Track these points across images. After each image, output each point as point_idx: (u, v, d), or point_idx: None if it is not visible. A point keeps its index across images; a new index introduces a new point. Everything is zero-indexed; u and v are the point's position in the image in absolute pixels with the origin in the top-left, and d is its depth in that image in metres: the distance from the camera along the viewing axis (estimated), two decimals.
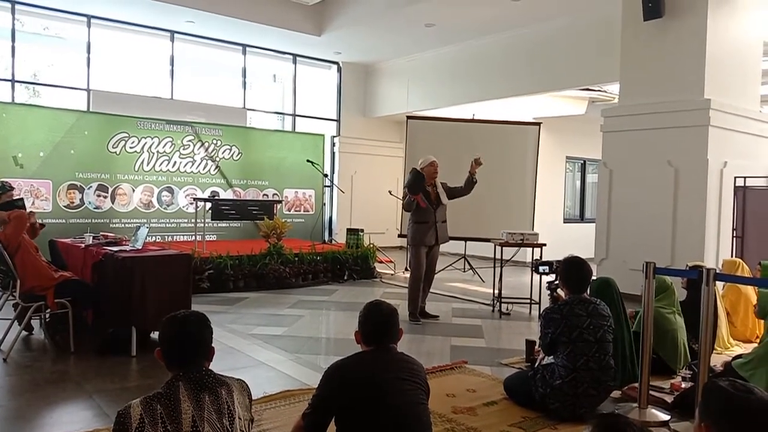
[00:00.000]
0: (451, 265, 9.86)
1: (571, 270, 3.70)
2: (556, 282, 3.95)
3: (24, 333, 5.01)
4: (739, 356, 3.80)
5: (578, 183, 13.37)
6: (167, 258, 4.93)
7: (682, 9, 7.37)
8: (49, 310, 4.83)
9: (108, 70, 11.02)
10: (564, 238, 11.59)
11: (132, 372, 4.39)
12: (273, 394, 3.85)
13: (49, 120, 9.33)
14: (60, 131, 9.34)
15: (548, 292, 4.08)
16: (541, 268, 4.87)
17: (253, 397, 3.76)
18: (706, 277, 3.37)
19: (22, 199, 5.15)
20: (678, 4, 7.39)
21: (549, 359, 3.77)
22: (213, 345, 2.25)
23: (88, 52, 10.31)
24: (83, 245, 5.25)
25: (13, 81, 9.74)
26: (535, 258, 5.49)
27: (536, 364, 4.06)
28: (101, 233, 5.78)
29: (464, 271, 9.80)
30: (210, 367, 2.23)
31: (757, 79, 8.14)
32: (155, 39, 11.19)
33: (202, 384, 2.11)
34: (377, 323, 2.59)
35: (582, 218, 12.97)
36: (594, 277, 4.26)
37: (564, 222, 12.36)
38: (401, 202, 6.34)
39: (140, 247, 5.05)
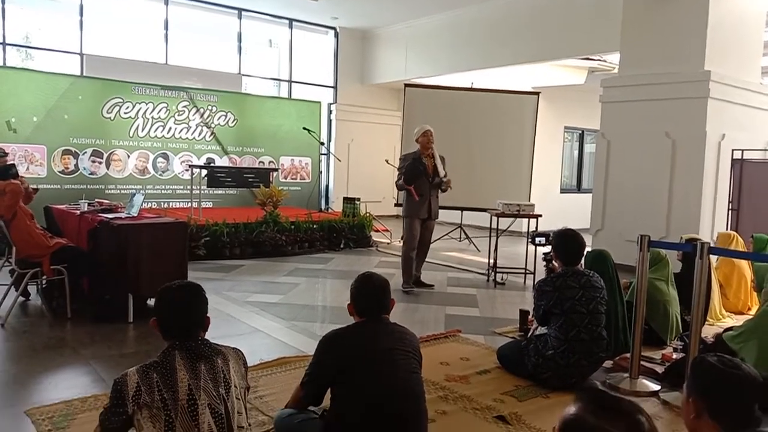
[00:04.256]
0: (447, 234, 9.88)
1: (565, 242, 3.71)
2: (551, 253, 3.96)
3: (21, 299, 5.03)
4: (730, 328, 3.84)
5: (576, 153, 13.33)
6: (162, 226, 4.93)
7: None
8: (45, 277, 4.83)
9: (101, 33, 10.83)
10: (561, 209, 11.62)
11: (129, 338, 4.43)
12: (269, 361, 3.89)
13: (42, 84, 9.21)
14: (53, 96, 9.23)
15: (543, 263, 4.10)
16: (537, 239, 4.89)
17: (249, 365, 3.81)
18: (700, 251, 3.39)
19: (14, 165, 5.09)
20: None
21: (542, 330, 3.81)
22: (208, 314, 2.26)
23: (81, 15, 10.13)
24: (78, 212, 5.23)
25: (4, 44, 9.58)
26: (531, 230, 5.49)
27: (529, 333, 4.10)
28: (96, 200, 5.75)
29: (460, 241, 9.83)
30: (206, 335, 2.25)
31: (758, 50, 8.06)
32: (149, 2, 10.98)
33: (198, 353, 2.12)
34: (369, 295, 2.60)
35: (579, 189, 12.98)
36: (589, 249, 4.28)
37: (561, 192, 12.36)
38: (397, 173, 6.25)
39: (136, 215, 5.03)
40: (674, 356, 4.14)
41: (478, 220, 10.28)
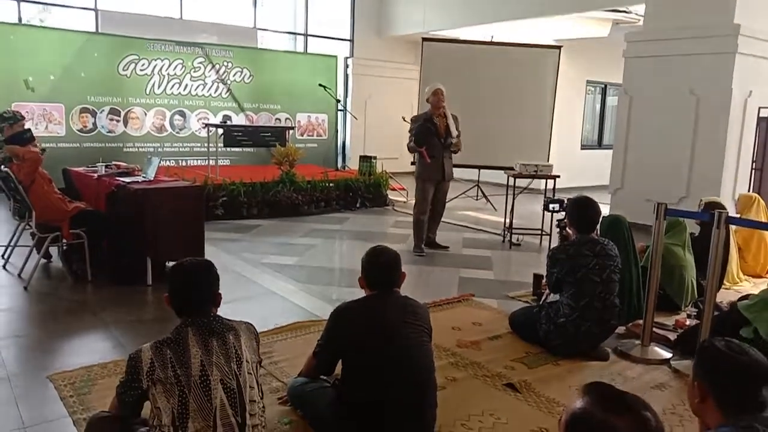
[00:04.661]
0: (464, 193, 9.82)
1: (579, 211, 3.67)
2: (565, 220, 3.93)
3: (43, 261, 5.15)
4: (746, 297, 3.81)
5: (598, 108, 13.05)
6: (179, 190, 4.96)
7: None
8: (65, 241, 4.92)
9: None
10: (581, 165, 11.50)
11: (148, 302, 4.52)
12: (283, 326, 3.96)
13: (58, 42, 9.20)
14: (69, 53, 9.23)
15: (557, 230, 4.07)
16: (551, 206, 4.84)
17: (264, 329, 3.91)
18: (717, 220, 3.33)
19: (29, 130, 5.13)
20: None
21: (554, 297, 3.81)
22: (220, 290, 2.29)
23: None
24: (96, 175, 5.28)
25: (19, 0, 9.51)
26: (549, 190, 5.42)
27: (542, 299, 4.11)
28: (113, 162, 5.79)
29: (477, 199, 9.78)
30: (222, 299, 2.29)
31: None
32: None
33: (210, 329, 2.17)
34: (380, 269, 2.62)
35: (600, 145, 12.75)
36: (605, 215, 4.23)
37: (581, 149, 12.18)
38: (409, 135, 6.14)
39: (152, 178, 5.07)
40: (688, 322, 4.13)
41: (496, 178, 10.17)
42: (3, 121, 5.31)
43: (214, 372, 2.10)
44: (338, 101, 10.93)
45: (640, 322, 3.88)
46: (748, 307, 3.47)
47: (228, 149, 9.89)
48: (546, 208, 4.88)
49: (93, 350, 3.58)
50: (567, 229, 3.92)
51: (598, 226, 3.90)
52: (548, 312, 3.69)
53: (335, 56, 11.98)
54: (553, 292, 3.79)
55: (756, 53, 7.05)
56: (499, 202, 8.80)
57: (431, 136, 5.90)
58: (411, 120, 6.15)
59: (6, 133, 5.19)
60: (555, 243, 3.86)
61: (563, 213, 4.23)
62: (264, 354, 3.48)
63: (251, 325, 2.39)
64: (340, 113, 12.02)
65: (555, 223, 4.15)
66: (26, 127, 5.41)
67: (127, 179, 5.02)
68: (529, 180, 6.63)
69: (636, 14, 9.87)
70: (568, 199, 4.40)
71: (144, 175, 5.20)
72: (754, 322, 3.41)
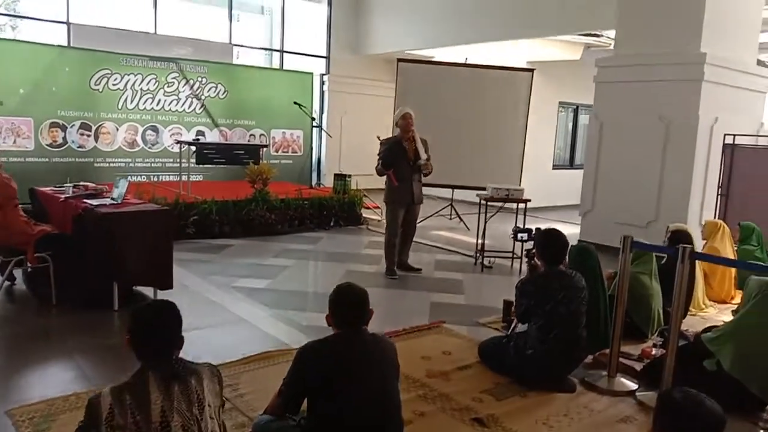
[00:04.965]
0: (437, 212, 9.87)
1: (548, 243, 3.71)
2: (534, 251, 3.97)
3: (7, 283, 5.03)
4: (710, 328, 3.88)
5: (570, 125, 13.19)
6: (147, 214, 4.89)
7: None
8: (29, 264, 4.82)
9: (88, 1, 10.59)
10: (553, 185, 11.64)
11: (114, 330, 4.43)
12: (251, 356, 3.91)
13: (28, 55, 9.03)
14: (40, 67, 9.07)
15: (526, 260, 4.11)
16: (519, 236, 4.89)
17: (232, 359, 3.87)
18: (681, 255, 3.39)
19: None
20: None
21: (523, 327, 3.84)
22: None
23: None
24: (63, 197, 5.18)
25: None
26: (516, 225, 5.48)
27: (510, 328, 4.14)
28: (81, 183, 5.68)
29: (450, 218, 9.83)
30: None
31: (756, 29, 7.94)
32: None
33: (171, 374, 2.13)
34: (348, 307, 2.60)
35: (572, 164, 12.93)
36: (574, 244, 4.28)
37: (553, 168, 12.33)
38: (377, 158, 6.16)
39: (120, 201, 4.99)
40: (654, 352, 4.19)
41: (469, 196, 10.23)
42: None
43: (175, 418, 2.06)
44: (313, 119, 10.90)
45: (607, 351, 3.92)
46: (711, 340, 3.53)
47: (201, 165, 9.81)
48: (515, 237, 4.92)
49: (55, 381, 3.51)
50: (535, 259, 3.95)
51: (567, 255, 3.94)
52: (517, 343, 3.72)
53: (311, 73, 11.98)
54: (522, 322, 3.82)
55: (722, 81, 7.24)
56: (472, 221, 8.84)
57: (399, 159, 5.92)
58: (380, 143, 6.17)
59: None
60: (525, 267, 3.87)
61: (531, 242, 4.26)
62: (231, 386, 3.46)
63: (214, 367, 2.35)
64: (315, 129, 12.00)
65: (524, 253, 4.18)
66: None
67: (95, 202, 4.94)
68: (500, 203, 6.66)
69: (608, 37, 10.08)
70: (536, 229, 4.46)
71: (112, 198, 5.11)
72: (717, 355, 3.47)
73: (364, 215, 9.34)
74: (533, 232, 4.37)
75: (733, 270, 5.80)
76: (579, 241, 8.22)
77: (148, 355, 2.17)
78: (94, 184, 5.64)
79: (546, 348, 3.55)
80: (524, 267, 4.73)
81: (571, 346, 3.61)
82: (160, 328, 2.19)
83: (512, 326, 4.14)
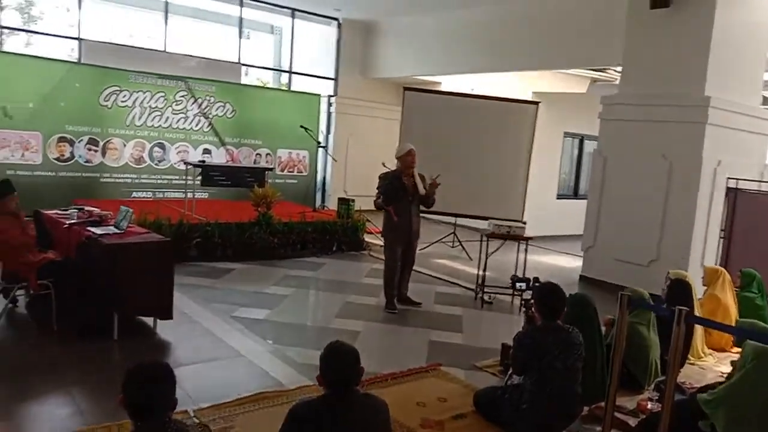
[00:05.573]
0: (440, 240, 9.89)
1: (546, 298, 3.72)
2: (532, 301, 3.98)
3: (9, 305, 5.07)
4: (706, 388, 3.88)
5: (576, 152, 13.19)
6: (149, 245, 4.93)
7: (691, 0, 7.15)
8: (32, 291, 4.85)
9: (100, 17, 10.71)
10: (556, 215, 11.66)
11: (113, 359, 4.47)
12: (247, 396, 3.91)
13: (39, 70, 9.16)
14: (50, 82, 9.18)
15: (523, 309, 4.12)
16: (518, 284, 4.90)
17: (227, 398, 3.88)
18: (677, 317, 3.39)
19: (7, 181, 5.00)
20: None
21: (518, 379, 3.84)
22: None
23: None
24: (67, 223, 5.22)
25: (0, 28, 9.47)
26: (514, 274, 5.50)
27: (506, 378, 4.14)
28: (86, 208, 5.73)
29: (453, 246, 9.84)
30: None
31: (760, 72, 7.99)
32: None
33: None
34: (338, 367, 2.61)
35: (576, 194, 12.94)
36: (572, 293, 4.30)
37: (557, 198, 12.35)
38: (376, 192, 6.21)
39: (123, 231, 5.03)
40: (649, 406, 4.19)
41: (473, 222, 10.26)
42: None
43: None
44: (319, 143, 10.96)
45: (603, 404, 3.91)
46: (706, 402, 3.53)
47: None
48: (512, 286, 4.93)
49: (51, 417, 3.53)
50: (533, 310, 3.96)
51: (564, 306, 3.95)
52: (512, 396, 3.72)
53: (318, 95, 12.08)
54: (518, 374, 3.82)
55: (725, 124, 7.27)
56: (475, 248, 8.86)
57: (400, 196, 5.98)
58: (379, 177, 6.22)
59: None
60: (520, 330, 3.88)
61: (530, 292, 4.28)
62: (225, 429, 3.47)
63: (207, 427, 2.37)
64: (321, 149, 12.05)
65: (522, 303, 4.19)
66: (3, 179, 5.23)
67: (99, 230, 4.97)
68: (501, 241, 6.68)
69: (614, 71, 10.13)
70: (535, 278, 4.48)
71: (116, 226, 5.15)
72: (711, 417, 3.47)
73: (366, 240, 9.36)
74: (531, 282, 4.38)
75: (733, 317, 5.79)
76: (580, 276, 8.26)
77: (140, 417, 2.19)
78: (98, 210, 5.68)
79: (541, 403, 3.56)
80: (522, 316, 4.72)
81: (566, 402, 3.61)
82: (154, 392, 2.21)
83: (508, 375, 4.14)
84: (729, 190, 7.23)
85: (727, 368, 5.10)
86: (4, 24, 9.59)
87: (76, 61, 9.94)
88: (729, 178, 7.22)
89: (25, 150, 9.05)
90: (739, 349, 4.70)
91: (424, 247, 9.23)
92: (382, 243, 9.43)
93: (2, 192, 4.80)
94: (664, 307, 4.64)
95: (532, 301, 3.97)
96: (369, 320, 5.83)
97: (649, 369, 4.61)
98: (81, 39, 10.04)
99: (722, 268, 6.02)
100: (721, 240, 7.29)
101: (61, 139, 9.35)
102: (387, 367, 4.60)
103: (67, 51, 10.12)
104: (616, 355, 3.79)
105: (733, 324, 5.78)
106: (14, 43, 10.37)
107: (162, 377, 2.25)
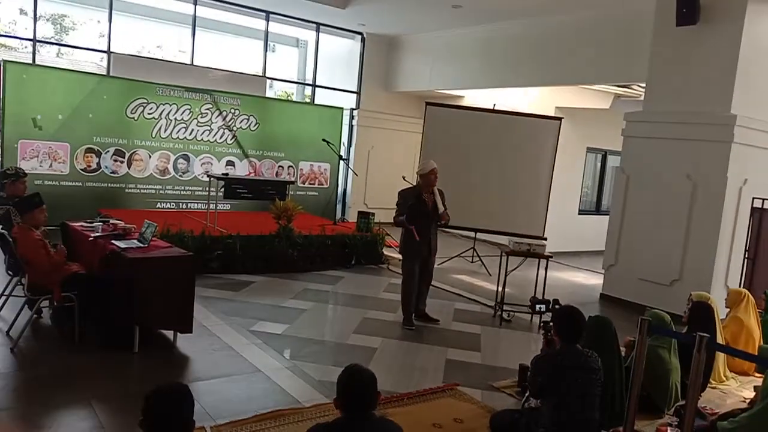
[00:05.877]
0: (459, 254, 9.87)
1: (565, 321, 3.69)
2: (551, 324, 3.95)
3: (34, 316, 5.18)
4: (727, 415, 3.81)
5: (598, 167, 13.09)
6: (172, 260, 5.00)
7: (717, 18, 7.09)
8: (56, 302, 4.95)
9: (129, 30, 10.95)
10: (578, 230, 11.56)
11: (134, 373, 4.54)
12: (263, 413, 3.95)
13: (69, 83, 9.39)
14: (79, 95, 9.40)
15: (542, 332, 4.09)
16: (537, 307, 4.87)
17: (244, 416, 3.92)
18: (698, 344, 3.35)
19: (38, 195, 5.08)
20: (713, 13, 7.10)
21: (536, 402, 3.82)
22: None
23: (110, 12, 10.20)
24: (92, 236, 5.33)
25: (34, 41, 9.73)
26: (533, 296, 5.47)
27: (524, 400, 4.11)
28: (111, 221, 5.84)
29: (472, 261, 9.81)
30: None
31: None
32: (178, 1, 11.04)
33: None
34: (356, 392, 2.62)
35: (598, 210, 12.82)
36: (592, 315, 4.26)
37: (579, 213, 12.25)
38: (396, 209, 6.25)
39: (146, 245, 5.12)
40: (669, 431, 4.12)
41: (493, 236, 10.23)
42: (5, 177, 5.38)
43: None
44: (341, 157, 11.03)
45: (621, 429, 3.87)
46: (727, 431, 3.47)
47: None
48: (531, 308, 4.91)
49: (73, 430, 3.59)
50: (552, 333, 3.93)
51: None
52: (528, 421, 3.69)
53: (341, 108, 12.16)
54: (536, 398, 3.80)
55: (751, 143, 7.17)
56: (495, 264, 8.83)
57: (421, 215, 6.00)
58: (399, 194, 6.25)
59: (8, 191, 5.26)
60: (538, 354, 3.86)
61: (549, 314, 4.25)
62: None
63: None
64: (342, 162, 12.13)
65: (541, 325, 4.16)
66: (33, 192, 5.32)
67: (123, 244, 5.06)
68: (522, 258, 6.65)
69: (639, 86, 10.05)
70: (554, 300, 4.45)
71: (139, 240, 5.24)
72: None
73: (385, 254, 9.38)
74: (551, 304, 4.36)
75: (757, 340, 5.68)
76: (601, 295, 8.17)
77: None
78: (123, 223, 5.78)
79: (558, 428, 3.52)
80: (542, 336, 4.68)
81: (583, 428, 3.57)
82: (173, 416, 2.25)
83: (525, 397, 4.12)
84: (754, 210, 7.11)
85: (750, 393, 5.03)
86: (38, 37, 9.84)
87: (104, 73, 10.14)
88: (755, 198, 7.10)
89: (53, 160, 9.27)
90: (762, 375, 4.64)
91: (443, 262, 9.22)
92: (401, 256, 9.53)
93: (32, 204, 4.92)
94: (684, 333, 4.57)
95: (551, 323, 3.95)
96: (386, 337, 5.84)
97: (669, 393, 4.54)
98: (110, 52, 10.26)
99: (746, 290, 5.92)
100: (746, 261, 7.16)
101: (89, 150, 9.55)
102: (403, 385, 4.60)
103: (96, 60, 10.34)
104: (635, 380, 3.75)
105: (757, 348, 5.69)
106: (46, 54, 10.64)
107: (179, 400, 2.29)
